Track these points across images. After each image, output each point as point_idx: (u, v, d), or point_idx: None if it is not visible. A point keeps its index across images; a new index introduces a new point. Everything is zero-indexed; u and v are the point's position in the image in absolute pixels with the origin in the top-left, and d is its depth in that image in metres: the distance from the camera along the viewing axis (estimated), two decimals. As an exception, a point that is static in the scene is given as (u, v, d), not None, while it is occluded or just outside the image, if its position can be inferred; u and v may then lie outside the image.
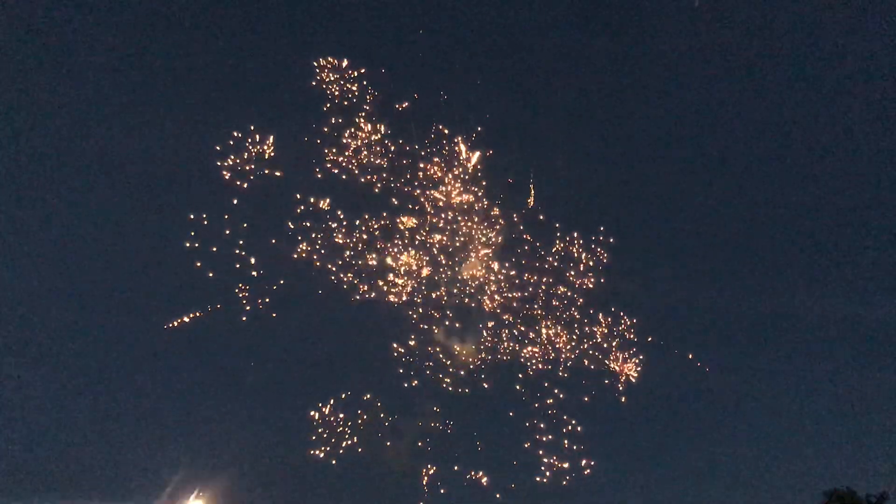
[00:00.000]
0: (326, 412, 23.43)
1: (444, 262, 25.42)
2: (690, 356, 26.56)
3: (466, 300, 25.54)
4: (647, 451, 31.41)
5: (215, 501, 22.85)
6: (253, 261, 23.76)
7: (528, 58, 32.67)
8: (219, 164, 23.89)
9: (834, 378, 32.92)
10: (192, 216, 23.66)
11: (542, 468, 23.95)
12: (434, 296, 25.24)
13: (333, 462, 23.18)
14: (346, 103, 24.97)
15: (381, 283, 24.84)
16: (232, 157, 24.02)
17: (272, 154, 24.31)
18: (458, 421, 24.54)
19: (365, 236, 24.95)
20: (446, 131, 25.49)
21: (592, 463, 24.33)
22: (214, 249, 23.50)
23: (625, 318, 26.03)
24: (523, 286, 25.98)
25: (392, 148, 25.25)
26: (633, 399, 26.32)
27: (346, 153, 24.89)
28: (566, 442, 24.40)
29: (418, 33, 29.58)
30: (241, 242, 23.58)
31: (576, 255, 26.26)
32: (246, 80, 28.07)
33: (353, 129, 25.01)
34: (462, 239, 25.61)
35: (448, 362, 24.69)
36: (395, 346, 24.59)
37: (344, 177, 24.95)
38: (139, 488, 22.76)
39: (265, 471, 24.04)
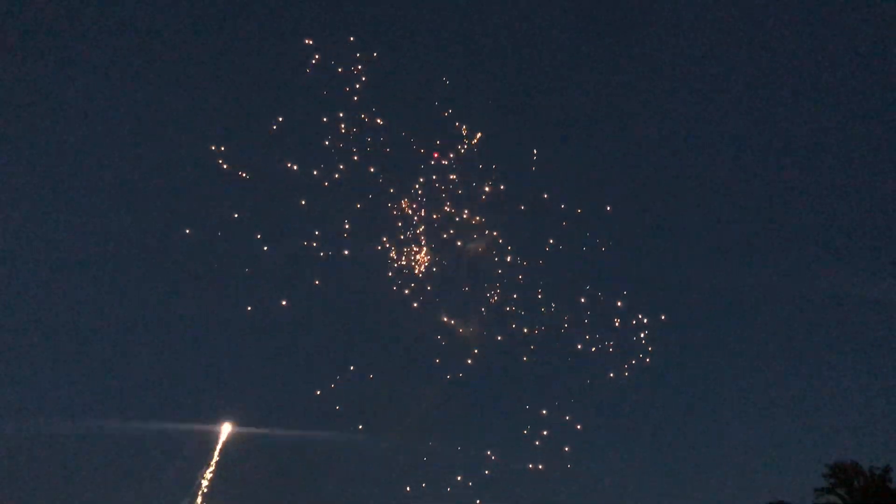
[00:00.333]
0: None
1: (446, 240, 25.16)
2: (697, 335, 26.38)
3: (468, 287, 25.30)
4: (654, 421, 30.97)
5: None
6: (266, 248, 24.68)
7: (528, 53, 32.77)
8: (212, 148, 23.73)
9: (842, 356, 33.07)
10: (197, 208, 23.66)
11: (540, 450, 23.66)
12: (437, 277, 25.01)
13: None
14: (346, 89, 24.92)
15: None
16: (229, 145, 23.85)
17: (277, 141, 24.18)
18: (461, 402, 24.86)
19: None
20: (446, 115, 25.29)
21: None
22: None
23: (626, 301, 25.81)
24: (525, 269, 25.73)
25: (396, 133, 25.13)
26: (638, 378, 26.06)
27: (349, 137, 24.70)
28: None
29: (421, 21, 29.75)
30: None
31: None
32: (248, 70, 27.93)
33: (355, 115, 24.90)
34: (463, 219, 25.36)
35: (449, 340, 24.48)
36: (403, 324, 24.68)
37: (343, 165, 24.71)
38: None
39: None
